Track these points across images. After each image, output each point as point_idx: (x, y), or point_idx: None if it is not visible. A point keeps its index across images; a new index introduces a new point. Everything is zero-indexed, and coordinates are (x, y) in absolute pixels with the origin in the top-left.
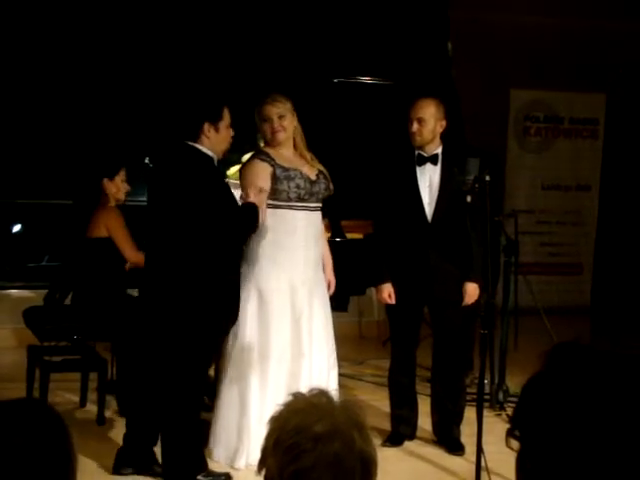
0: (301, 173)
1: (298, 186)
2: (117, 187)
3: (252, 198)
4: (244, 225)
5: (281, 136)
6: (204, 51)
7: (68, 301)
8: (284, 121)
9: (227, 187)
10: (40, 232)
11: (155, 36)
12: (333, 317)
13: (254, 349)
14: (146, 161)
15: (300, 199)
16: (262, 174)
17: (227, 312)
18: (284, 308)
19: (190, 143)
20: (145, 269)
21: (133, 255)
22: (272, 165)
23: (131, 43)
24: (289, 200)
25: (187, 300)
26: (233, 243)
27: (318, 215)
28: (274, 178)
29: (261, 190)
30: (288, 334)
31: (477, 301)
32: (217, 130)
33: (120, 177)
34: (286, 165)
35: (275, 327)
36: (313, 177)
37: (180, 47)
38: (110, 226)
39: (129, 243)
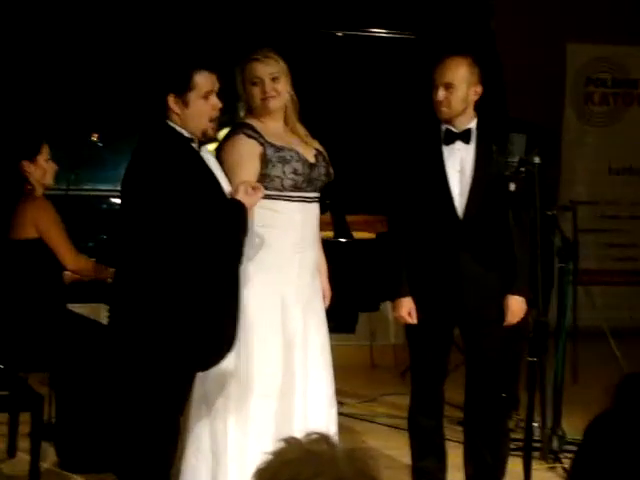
0: (298, 154)
1: (295, 171)
2: (41, 169)
3: (241, 195)
4: (226, 229)
5: (274, 103)
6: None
7: None
8: (278, 84)
9: (209, 176)
10: None
11: None
12: (338, 340)
13: (232, 380)
14: (93, 139)
15: (296, 188)
16: (250, 155)
17: (216, 337)
18: (273, 327)
19: (164, 121)
20: (114, 282)
21: (72, 260)
22: (262, 143)
23: None
24: (282, 189)
25: (161, 319)
26: (215, 250)
27: (316, 207)
28: (264, 160)
29: (255, 188)
30: (278, 361)
31: (524, 320)
32: (186, 103)
33: (43, 156)
34: (278, 143)
35: (260, 352)
36: (312, 159)
37: None
38: (40, 224)
39: (66, 245)
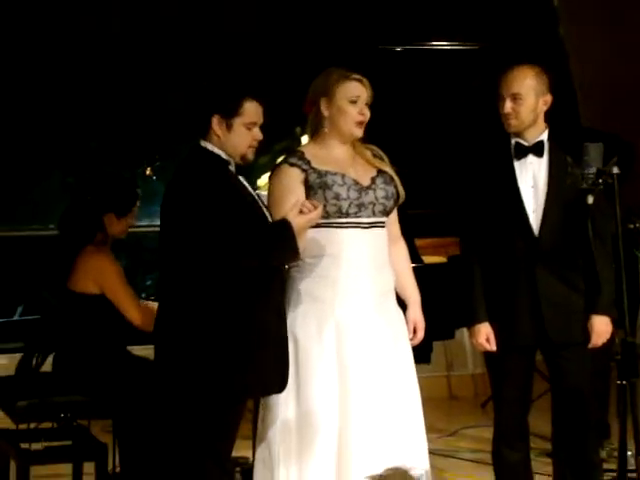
0: (343, 177)
1: (337, 196)
2: (124, 226)
3: (291, 216)
4: (269, 253)
5: (362, 131)
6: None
7: (48, 367)
8: (367, 111)
9: (248, 200)
10: (10, 274)
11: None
12: None
13: (291, 422)
14: (147, 173)
15: (342, 214)
16: (291, 185)
17: (264, 373)
18: (326, 361)
19: (199, 142)
20: (157, 315)
21: (139, 318)
22: (304, 170)
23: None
24: (328, 216)
25: (203, 356)
26: (259, 278)
27: (378, 233)
28: (307, 187)
29: (302, 208)
30: (334, 402)
31: (610, 341)
32: (229, 127)
33: (133, 213)
34: (324, 168)
35: (319, 390)
36: (365, 182)
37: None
38: (104, 282)
39: (132, 302)
